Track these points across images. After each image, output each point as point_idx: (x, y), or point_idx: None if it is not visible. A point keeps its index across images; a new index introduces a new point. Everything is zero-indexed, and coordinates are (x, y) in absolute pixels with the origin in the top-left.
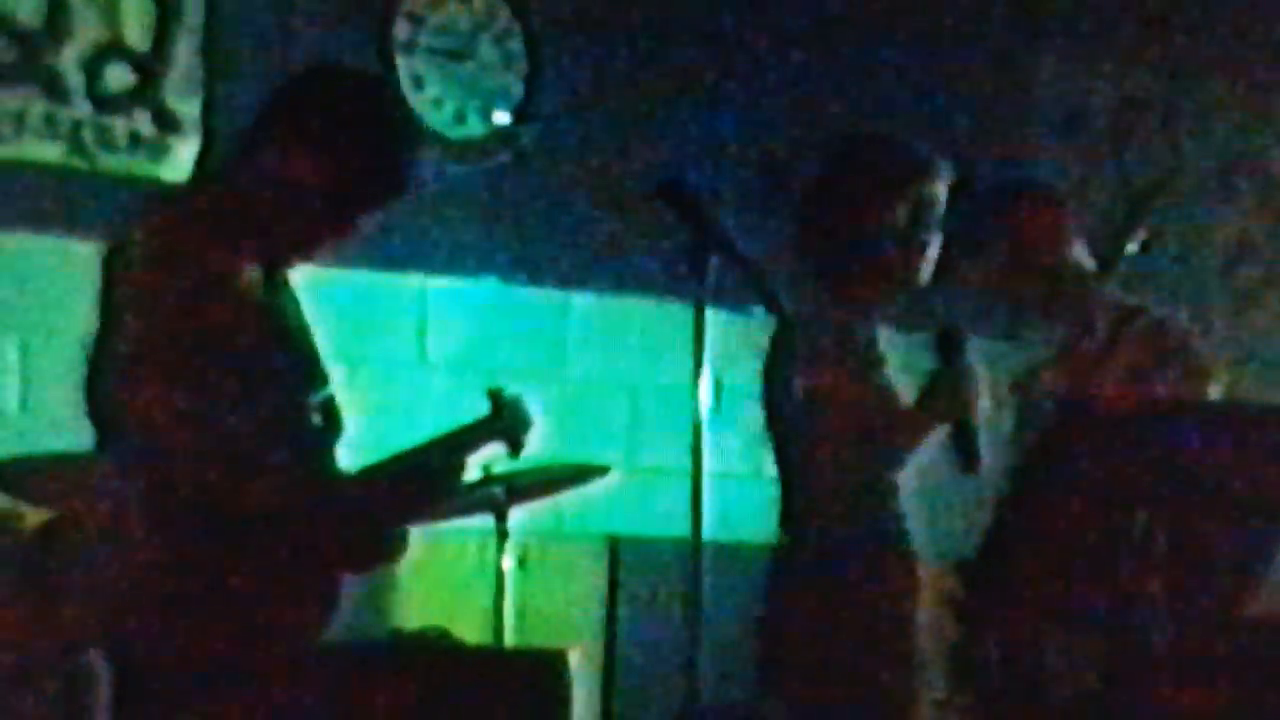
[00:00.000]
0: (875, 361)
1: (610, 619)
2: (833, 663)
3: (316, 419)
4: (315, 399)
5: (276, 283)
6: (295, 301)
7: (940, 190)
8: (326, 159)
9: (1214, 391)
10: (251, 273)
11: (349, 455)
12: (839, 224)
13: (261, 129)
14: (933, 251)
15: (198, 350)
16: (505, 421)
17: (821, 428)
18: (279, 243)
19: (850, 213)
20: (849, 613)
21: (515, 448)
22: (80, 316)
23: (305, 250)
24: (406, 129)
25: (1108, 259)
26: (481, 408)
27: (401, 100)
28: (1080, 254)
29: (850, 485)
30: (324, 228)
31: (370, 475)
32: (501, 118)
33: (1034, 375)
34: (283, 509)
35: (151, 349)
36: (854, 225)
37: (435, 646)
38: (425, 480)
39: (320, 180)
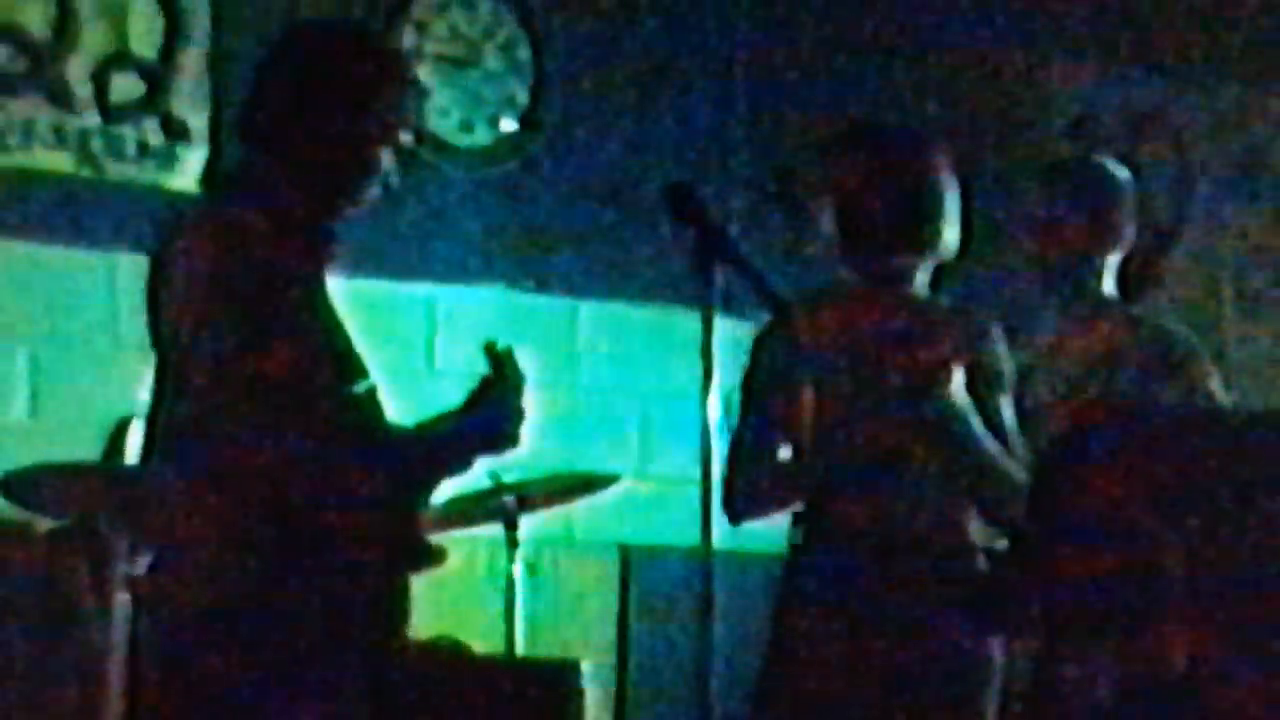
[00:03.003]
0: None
1: (621, 628)
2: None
3: (363, 412)
4: (360, 390)
5: (321, 271)
6: (326, 291)
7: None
8: (332, 112)
9: (1222, 401)
10: (303, 264)
11: None
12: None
13: (263, 103)
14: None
15: (264, 360)
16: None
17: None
18: (314, 220)
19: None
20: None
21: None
22: (89, 326)
23: (337, 213)
24: (398, 73)
25: (1131, 289)
26: None
27: (394, 48)
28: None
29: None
30: (348, 187)
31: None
32: (508, 126)
33: (1027, 376)
34: (366, 525)
35: (215, 364)
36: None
37: (446, 656)
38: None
39: (334, 135)
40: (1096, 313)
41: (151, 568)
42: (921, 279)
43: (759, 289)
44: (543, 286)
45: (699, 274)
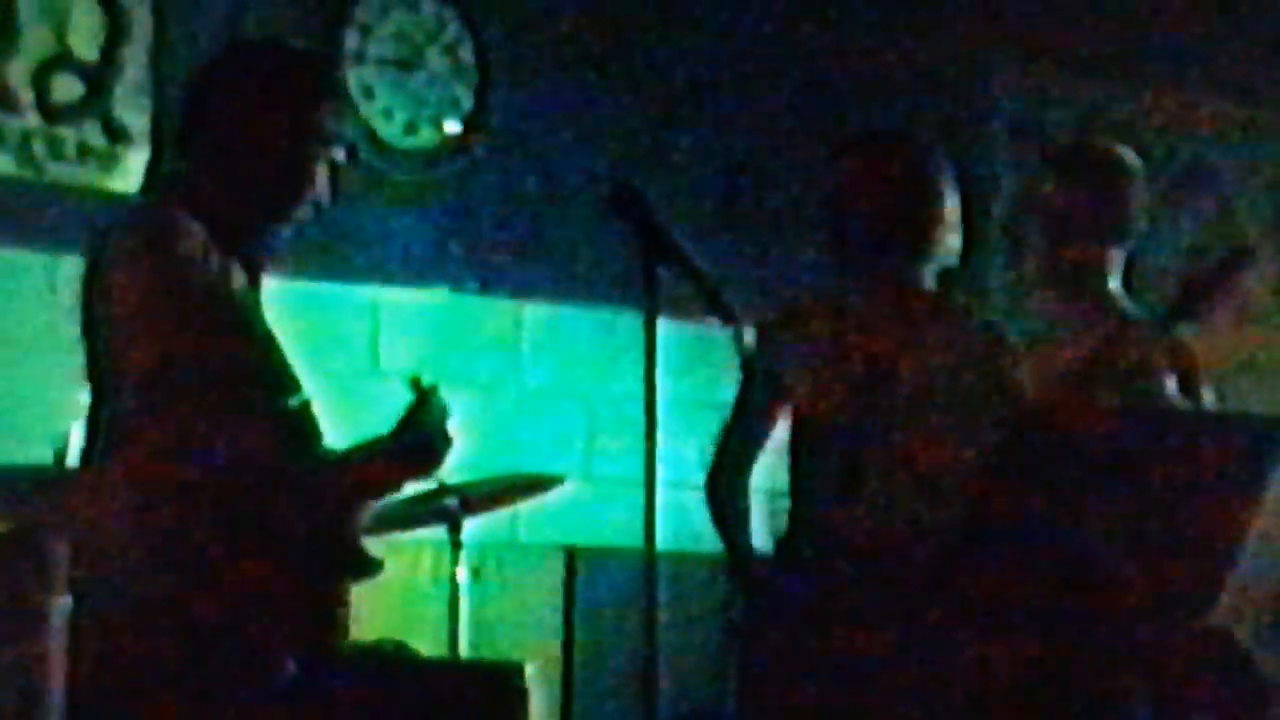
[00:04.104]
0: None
1: (566, 629)
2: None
3: (296, 424)
4: (293, 404)
5: (256, 284)
6: (260, 303)
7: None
8: (270, 126)
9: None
10: (237, 275)
11: None
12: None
13: (198, 114)
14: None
15: (201, 361)
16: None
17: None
18: (248, 234)
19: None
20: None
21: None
22: (29, 327)
23: (274, 223)
24: (335, 90)
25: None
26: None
27: (331, 65)
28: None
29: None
30: (281, 204)
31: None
32: (452, 128)
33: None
34: (309, 519)
35: (152, 364)
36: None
37: (390, 659)
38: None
39: (272, 149)
40: (1100, 310)
41: (89, 565)
42: (928, 283)
43: (703, 290)
44: (487, 288)
45: (643, 276)
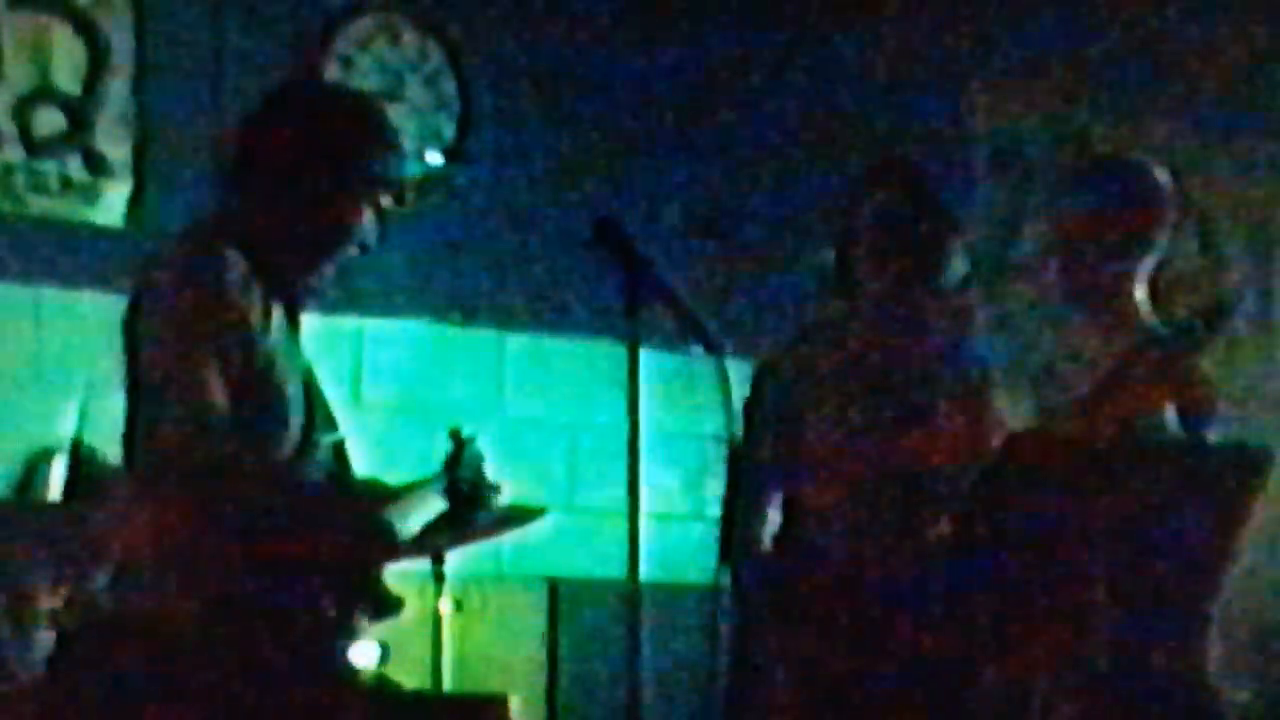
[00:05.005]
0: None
1: (551, 661)
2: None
3: (331, 462)
4: (328, 441)
5: (296, 322)
6: (299, 340)
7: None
8: (318, 168)
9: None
10: (278, 311)
11: None
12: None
13: (249, 153)
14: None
15: (239, 393)
16: (467, 465)
17: None
18: (292, 273)
19: None
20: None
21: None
22: (12, 360)
23: (318, 263)
24: (384, 134)
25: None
26: (418, 447)
27: (381, 110)
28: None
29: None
30: (326, 245)
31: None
32: (434, 159)
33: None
34: (348, 557)
35: (191, 393)
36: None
37: (374, 692)
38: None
39: (319, 191)
40: (1119, 324)
41: (118, 587)
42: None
43: (686, 322)
44: (469, 319)
45: (625, 307)
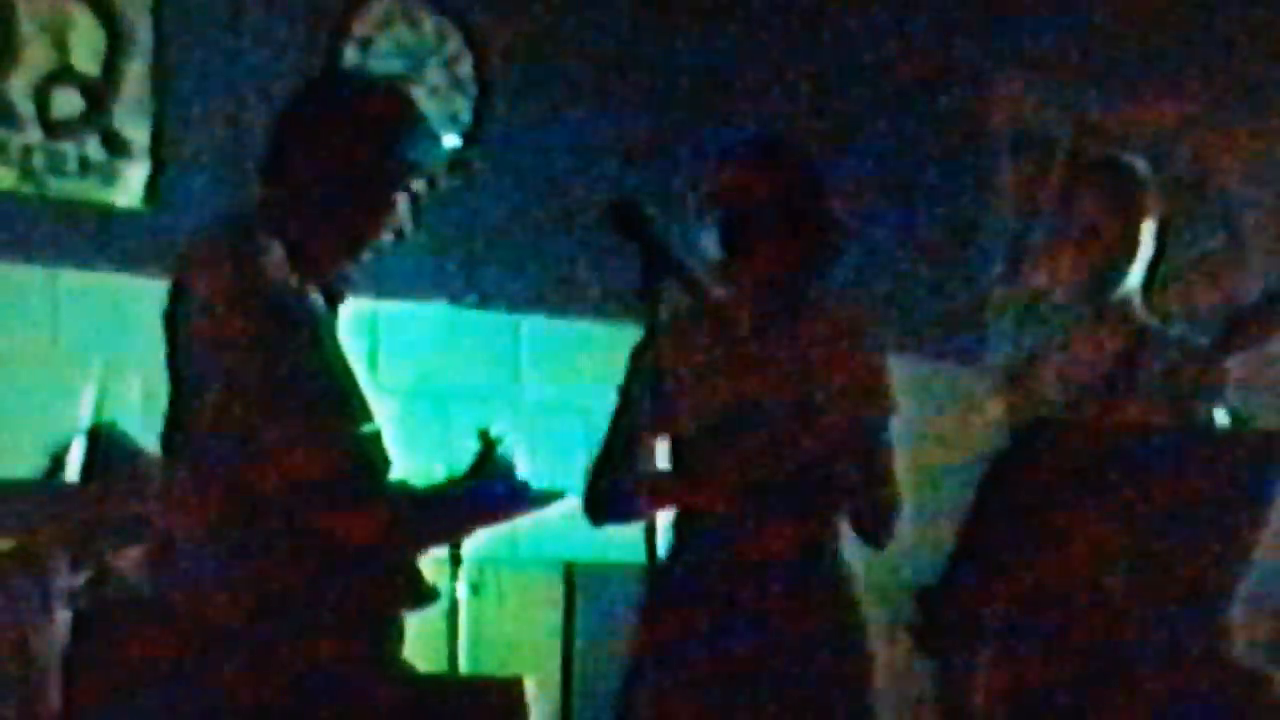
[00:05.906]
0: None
1: (566, 645)
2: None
3: (367, 452)
4: (365, 431)
5: (334, 310)
6: (335, 329)
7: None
8: (353, 156)
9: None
10: (315, 299)
11: None
12: None
13: (283, 144)
14: None
15: (276, 380)
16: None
17: None
18: (330, 262)
19: None
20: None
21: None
22: (31, 342)
23: (354, 251)
24: (417, 121)
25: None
26: (433, 431)
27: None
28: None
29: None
30: (364, 233)
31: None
32: (451, 141)
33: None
34: (383, 541)
35: (229, 380)
36: None
37: (389, 675)
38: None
39: (355, 179)
40: (1122, 319)
41: (156, 575)
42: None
43: (704, 303)
44: (485, 302)
45: (643, 290)
